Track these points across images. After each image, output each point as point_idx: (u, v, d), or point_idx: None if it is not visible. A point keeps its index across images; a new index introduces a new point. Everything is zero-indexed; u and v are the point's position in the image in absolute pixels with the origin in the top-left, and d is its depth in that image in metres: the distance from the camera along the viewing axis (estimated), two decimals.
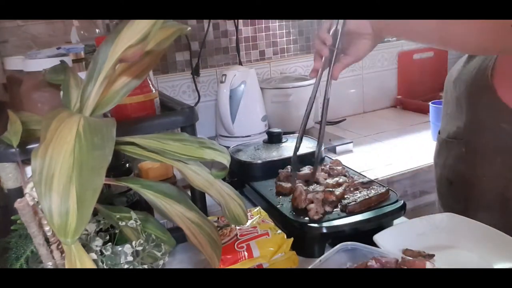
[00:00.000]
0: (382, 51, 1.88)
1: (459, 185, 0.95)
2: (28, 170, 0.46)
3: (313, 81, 1.53)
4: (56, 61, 0.70)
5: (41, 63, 0.75)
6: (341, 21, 0.81)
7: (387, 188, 0.87)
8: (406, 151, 1.39)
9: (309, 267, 0.67)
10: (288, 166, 0.99)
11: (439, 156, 1.01)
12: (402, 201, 0.85)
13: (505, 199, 0.87)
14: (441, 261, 0.74)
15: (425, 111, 1.58)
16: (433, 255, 0.74)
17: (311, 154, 1.08)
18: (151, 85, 0.82)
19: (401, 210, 0.84)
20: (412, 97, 1.89)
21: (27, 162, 0.58)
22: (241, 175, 1.04)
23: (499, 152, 0.86)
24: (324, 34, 0.83)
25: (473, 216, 0.84)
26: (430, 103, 1.46)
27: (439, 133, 1.02)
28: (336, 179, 0.92)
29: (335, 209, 0.83)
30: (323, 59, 0.85)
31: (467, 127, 0.91)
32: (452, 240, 0.79)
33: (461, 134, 0.92)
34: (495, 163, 0.87)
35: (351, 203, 0.82)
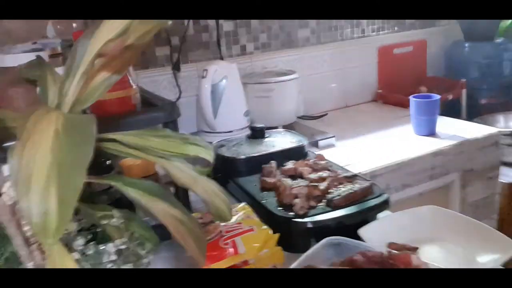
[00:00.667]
0: (363, 46, 1.89)
1: None
2: (5, 168, 0.44)
3: (294, 75, 1.53)
4: (32, 56, 0.68)
5: (16, 58, 0.73)
6: None
7: (371, 182, 0.88)
8: (388, 144, 1.40)
9: (295, 262, 0.67)
10: (272, 161, 0.99)
11: None
12: (386, 195, 0.85)
13: None
14: (425, 254, 0.74)
15: (405, 105, 1.59)
16: (417, 248, 0.75)
17: (296, 148, 1.08)
18: (131, 81, 0.81)
19: (385, 204, 0.84)
20: (393, 91, 1.91)
21: (4, 160, 0.56)
22: (224, 171, 1.03)
23: None
24: None
25: None
26: (410, 97, 1.47)
27: None
28: (320, 173, 0.92)
29: (319, 204, 0.83)
30: None
31: None
32: (436, 233, 0.80)
33: None
34: None
35: (336, 198, 0.82)
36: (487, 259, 0.72)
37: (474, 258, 0.73)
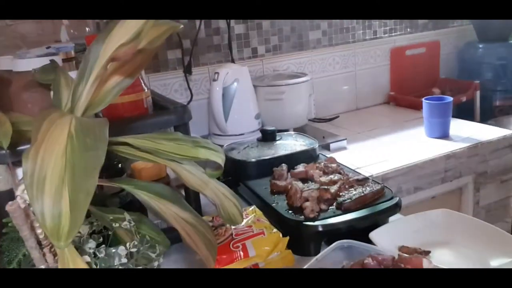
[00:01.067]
0: (375, 47, 1.88)
1: None
2: (19, 172, 0.45)
3: (306, 78, 1.53)
4: (46, 61, 0.69)
5: (30, 62, 0.73)
6: None
7: (382, 185, 0.87)
8: (400, 147, 1.39)
9: (306, 266, 0.66)
10: (283, 164, 0.99)
11: None
12: (397, 198, 0.84)
13: None
14: (437, 258, 0.74)
15: (418, 107, 1.58)
16: (429, 252, 0.74)
17: (306, 151, 1.08)
18: (143, 84, 0.81)
19: (397, 207, 0.83)
20: (405, 93, 1.89)
21: (18, 164, 0.57)
22: (235, 174, 1.03)
23: None
24: None
25: None
26: (423, 99, 1.46)
27: None
28: (331, 176, 0.92)
29: (330, 207, 0.83)
30: None
31: None
32: (448, 236, 0.79)
33: None
34: None
35: (347, 201, 0.82)
36: (500, 263, 0.71)
37: (487, 262, 0.73)
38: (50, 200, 0.38)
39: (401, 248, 0.74)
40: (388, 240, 0.75)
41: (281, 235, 0.76)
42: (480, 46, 1.96)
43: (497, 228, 0.77)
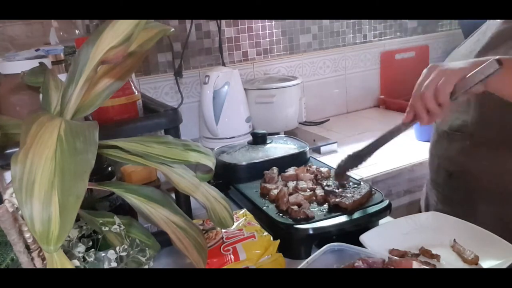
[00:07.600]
0: (365, 51, 1.89)
1: (459, 176, 0.96)
2: (7, 175, 0.44)
3: (296, 81, 1.54)
4: (35, 63, 0.68)
5: (19, 65, 0.73)
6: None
7: (372, 188, 0.88)
8: (389, 150, 1.39)
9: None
10: (274, 168, 0.99)
11: (437, 147, 1.01)
12: (387, 201, 0.85)
13: (509, 192, 0.89)
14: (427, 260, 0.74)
15: None
16: (419, 254, 0.75)
17: (297, 154, 1.08)
18: (133, 87, 0.81)
19: (387, 210, 0.84)
20: (395, 96, 1.91)
21: (6, 167, 0.57)
22: (225, 177, 1.03)
23: (505, 146, 0.88)
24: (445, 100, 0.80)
25: (472, 207, 0.86)
26: None
27: (435, 124, 1.03)
28: (321, 179, 0.92)
29: (320, 210, 0.83)
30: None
31: (474, 121, 0.91)
32: (437, 239, 0.80)
33: (466, 127, 0.93)
34: (500, 156, 0.89)
35: (337, 204, 0.82)
36: (489, 265, 0.71)
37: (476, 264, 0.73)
38: (39, 204, 0.38)
39: (392, 251, 0.75)
40: (379, 243, 0.75)
41: (272, 238, 0.76)
42: None
43: (486, 230, 0.78)
